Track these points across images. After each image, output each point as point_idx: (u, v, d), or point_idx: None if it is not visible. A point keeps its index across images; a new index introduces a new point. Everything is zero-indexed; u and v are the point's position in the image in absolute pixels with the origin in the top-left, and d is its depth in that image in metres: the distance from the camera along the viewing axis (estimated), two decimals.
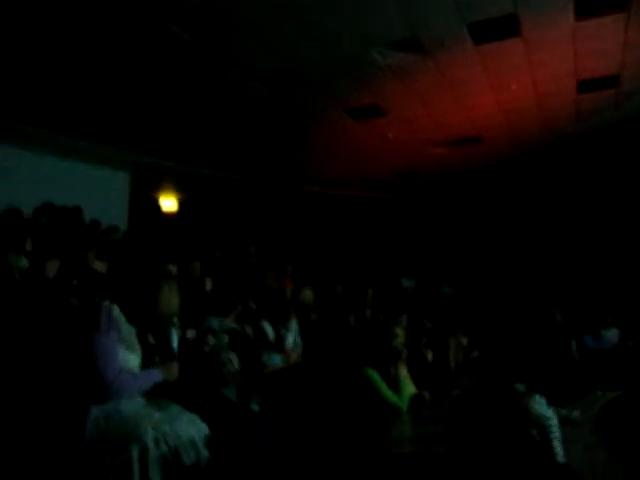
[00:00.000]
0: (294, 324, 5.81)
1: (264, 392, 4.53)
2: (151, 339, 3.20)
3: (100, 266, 6.09)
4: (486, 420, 4.06)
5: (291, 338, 5.69)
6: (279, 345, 5.43)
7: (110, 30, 6.83)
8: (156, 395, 3.13)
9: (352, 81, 8.64)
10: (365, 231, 14.45)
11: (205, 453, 2.97)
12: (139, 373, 3.09)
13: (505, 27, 7.34)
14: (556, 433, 3.58)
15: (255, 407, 4.38)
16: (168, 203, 13.51)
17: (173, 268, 5.64)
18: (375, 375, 4.48)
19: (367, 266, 12.60)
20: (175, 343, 3.33)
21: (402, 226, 14.66)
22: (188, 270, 6.43)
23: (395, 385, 4.49)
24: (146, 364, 3.18)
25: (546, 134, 11.38)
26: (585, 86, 9.25)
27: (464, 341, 6.67)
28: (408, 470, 3.33)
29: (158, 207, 13.26)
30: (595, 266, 11.43)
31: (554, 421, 3.62)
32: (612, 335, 9.40)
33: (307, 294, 6.59)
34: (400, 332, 4.72)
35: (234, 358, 4.16)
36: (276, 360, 5.06)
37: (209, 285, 6.61)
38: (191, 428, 3.00)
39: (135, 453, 2.78)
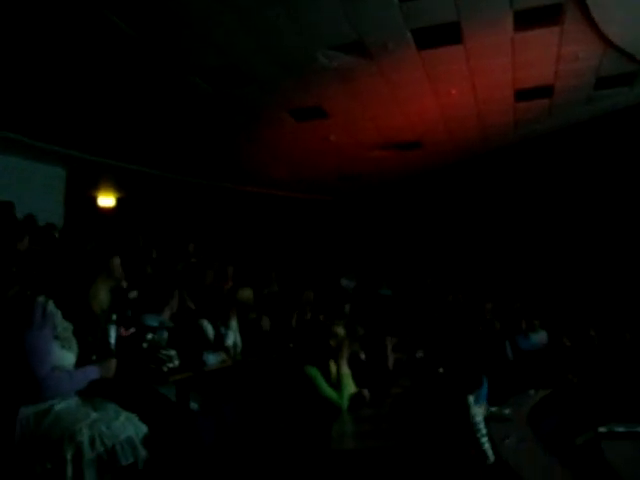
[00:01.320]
0: (234, 323, 5.76)
1: (204, 391, 4.47)
2: (88, 336, 3.10)
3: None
4: (425, 418, 4.11)
5: (231, 337, 5.63)
6: (219, 344, 5.37)
7: (48, 20, 6.59)
8: (93, 394, 3.02)
9: (296, 82, 8.64)
10: (306, 232, 14.46)
11: (143, 453, 2.87)
12: (74, 371, 2.97)
13: (448, 34, 7.51)
14: (483, 430, 3.66)
15: (194, 406, 4.32)
16: (106, 201, 13.18)
17: (115, 260, 5.45)
18: (316, 373, 4.47)
19: (308, 267, 12.61)
20: (113, 340, 3.22)
21: (343, 228, 14.74)
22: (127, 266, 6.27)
23: (336, 383, 4.50)
24: (83, 362, 3.07)
25: (485, 141, 11.68)
26: (522, 95, 9.55)
27: (393, 341, 6.74)
28: (349, 466, 3.34)
29: (95, 205, 12.93)
30: (527, 268, 11.76)
31: (479, 418, 3.69)
32: (540, 337, 9.71)
33: (246, 293, 6.52)
34: (340, 331, 4.73)
35: (174, 355, 4.08)
36: (216, 359, 4.98)
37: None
38: (129, 427, 2.90)
39: (69, 454, 2.65)
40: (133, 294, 5.31)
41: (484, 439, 3.64)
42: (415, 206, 13.88)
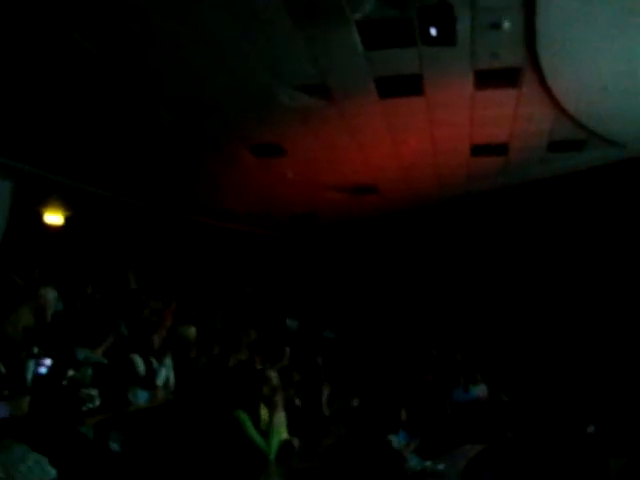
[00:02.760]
0: (168, 360, 5.56)
1: (127, 431, 4.25)
2: (1, 368, 2.89)
3: None
4: (358, 473, 4.01)
5: (164, 374, 5.43)
6: (150, 380, 5.14)
7: (5, 32, 6.41)
8: (1, 433, 2.81)
9: (258, 118, 8.62)
10: (255, 268, 14.30)
11: None
12: None
13: (410, 85, 7.62)
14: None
15: (115, 446, 4.10)
16: (52, 218, 12.77)
17: (47, 291, 5.20)
18: (245, 418, 4.32)
19: (254, 304, 12.44)
20: (30, 375, 3.03)
21: (293, 266, 14.64)
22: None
23: (266, 429, 4.34)
24: None
25: (440, 191, 11.83)
26: (478, 150, 9.74)
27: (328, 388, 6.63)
28: None
29: (41, 222, 12.52)
30: (472, 320, 11.84)
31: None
32: (481, 390, 9.72)
33: (190, 331, 6.33)
34: (274, 375, 4.60)
35: (95, 394, 3.86)
36: (143, 397, 4.77)
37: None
38: (35, 472, 2.70)
39: None
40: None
41: None
42: (365, 250, 13.89)
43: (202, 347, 6.82)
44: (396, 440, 6.24)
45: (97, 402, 3.86)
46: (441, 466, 4.94)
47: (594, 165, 10.54)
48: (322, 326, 11.49)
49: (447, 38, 5.80)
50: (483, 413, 8.83)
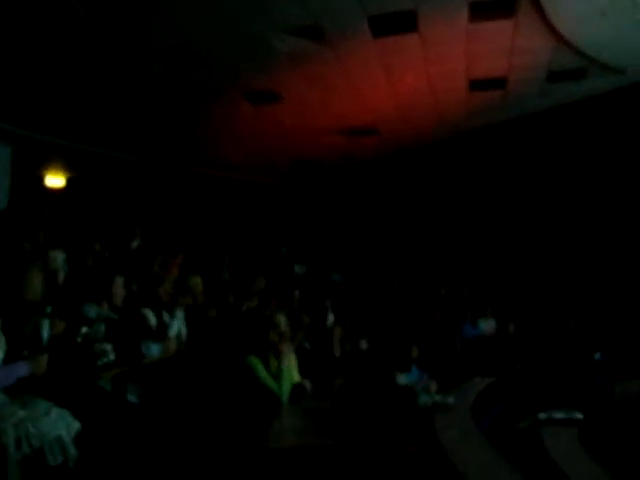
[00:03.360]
0: (180, 312, 5.65)
1: (144, 383, 4.38)
2: (19, 330, 2.98)
3: None
4: (369, 413, 4.13)
5: (176, 326, 5.52)
6: (161, 333, 5.25)
7: None
8: (22, 391, 2.92)
9: (251, 65, 8.51)
10: (259, 217, 14.35)
11: (74, 452, 2.80)
12: (1, 367, 2.86)
13: (403, 22, 7.48)
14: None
15: (133, 398, 4.23)
16: (54, 181, 12.79)
17: (56, 254, 5.26)
18: (257, 363, 4.43)
19: (261, 252, 12.53)
20: (45, 334, 3.12)
21: (296, 213, 14.68)
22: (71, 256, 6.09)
23: (277, 373, 4.45)
24: (13, 357, 2.96)
25: (439, 129, 11.72)
26: (476, 85, 9.60)
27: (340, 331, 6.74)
28: (287, 465, 3.32)
29: (43, 186, 12.55)
30: (478, 256, 11.92)
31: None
32: (489, 325, 9.88)
33: (196, 282, 6.41)
34: (283, 320, 4.69)
35: (109, 349, 3.97)
36: (156, 350, 4.88)
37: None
38: (59, 425, 2.81)
39: None
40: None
41: None
42: (368, 192, 13.88)
43: (211, 297, 6.92)
44: (406, 377, 6.41)
45: (112, 357, 3.98)
46: (451, 399, 5.07)
47: (594, 94, 10.42)
48: (329, 269, 11.59)
49: None
50: (492, 347, 9.00)
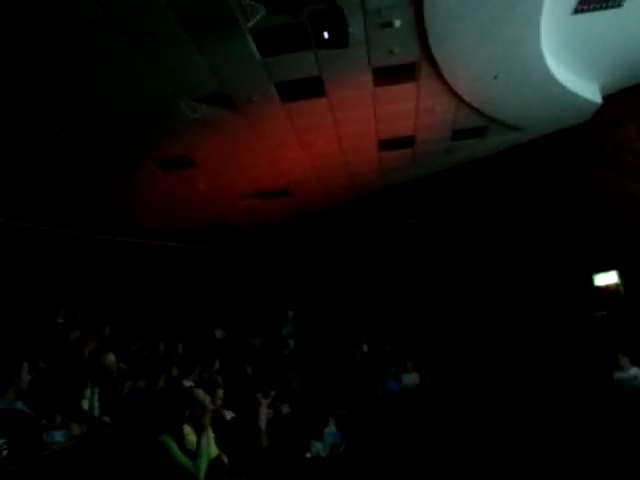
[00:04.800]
0: (90, 391, 5.34)
1: (45, 475, 4.01)
2: None
3: None
4: None
5: (86, 406, 5.22)
6: (71, 414, 4.90)
7: None
8: None
9: (161, 132, 8.45)
10: (181, 283, 14.02)
11: None
12: None
13: (310, 87, 7.71)
14: None
15: None
16: None
17: None
18: (170, 442, 4.15)
19: (181, 319, 12.21)
20: None
21: (216, 277, 14.45)
22: None
23: (195, 450, 4.20)
24: None
25: (353, 189, 11.98)
26: (385, 145, 9.94)
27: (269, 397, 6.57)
28: None
29: None
30: (393, 315, 11.98)
31: None
32: (412, 379, 9.94)
33: (109, 358, 6.12)
34: (201, 393, 4.48)
35: (1, 444, 3.62)
36: (60, 437, 4.52)
37: None
38: None
39: None
40: None
41: None
42: (285, 253, 13.87)
43: (128, 372, 6.62)
44: (320, 444, 6.34)
45: (4, 452, 3.62)
46: None
47: (498, 150, 10.98)
48: (249, 334, 11.38)
49: (340, 40, 5.89)
50: (415, 401, 9.02)
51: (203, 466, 4.12)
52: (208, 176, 10.22)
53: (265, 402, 6.28)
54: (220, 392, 5.47)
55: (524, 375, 9.47)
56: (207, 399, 4.52)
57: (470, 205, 11.52)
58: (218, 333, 11.22)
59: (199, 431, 4.26)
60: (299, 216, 13.18)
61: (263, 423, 5.83)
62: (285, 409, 6.99)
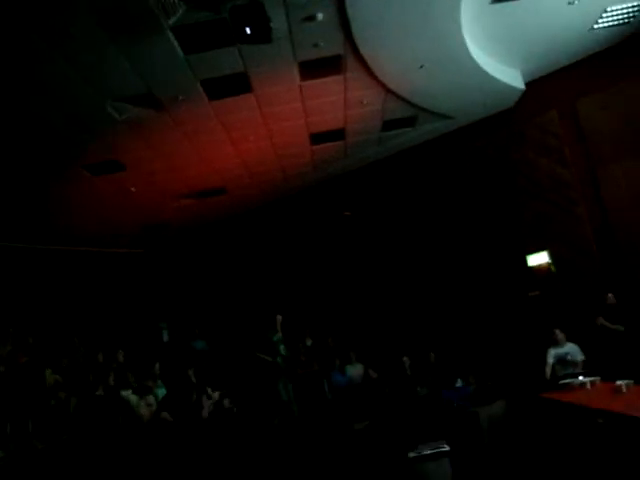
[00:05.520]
0: None
1: None
2: None
3: None
4: None
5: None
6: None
7: None
8: None
9: (88, 135, 8.23)
10: (119, 288, 13.70)
11: None
12: None
13: (237, 84, 7.65)
14: None
15: None
16: None
17: None
18: None
19: (121, 325, 11.95)
20: None
21: (157, 279, 14.19)
22: None
23: None
24: None
25: (288, 183, 11.97)
26: (317, 138, 9.98)
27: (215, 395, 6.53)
28: None
29: None
30: (338, 304, 12.03)
31: None
32: (357, 370, 10.01)
33: (47, 375, 5.91)
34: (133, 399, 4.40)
35: None
36: None
37: None
38: None
39: None
40: None
41: None
42: (223, 251, 13.74)
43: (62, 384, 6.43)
44: None
45: None
46: None
47: (429, 138, 11.14)
48: (191, 337, 11.24)
49: (263, 35, 5.86)
50: (361, 392, 9.11)
51: None
52: (140, 178, 10.03)
53: (207, 404, 6.24)
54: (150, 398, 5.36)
55: (467, 354, 9.74)
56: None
57: (404, 194, 11.65)
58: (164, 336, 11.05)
59: None
60: (236, 213, 13.07)
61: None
62: (227, 403, 6.93)
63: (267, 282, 12.80)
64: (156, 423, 4.57)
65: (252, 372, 9.05)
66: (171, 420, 5.71)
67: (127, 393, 5.33)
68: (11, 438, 4.86)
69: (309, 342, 10.95)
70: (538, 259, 10.05)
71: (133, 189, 10.38)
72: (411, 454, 5.89)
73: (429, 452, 5.93)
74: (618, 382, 6.45)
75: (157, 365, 7.58)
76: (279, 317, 10.21)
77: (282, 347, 9.93)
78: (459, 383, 9.11)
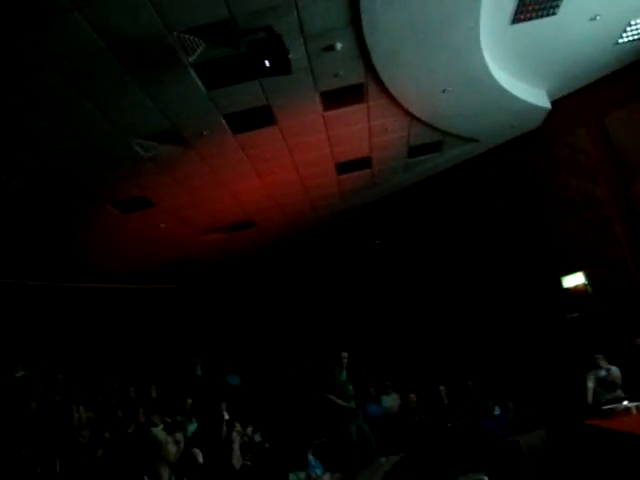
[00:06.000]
0: None
1: None
2: None
3: None
4: None
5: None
6: None
7: None
8: None
9: (115, 174, 8.32)
10: (151, 324, 13.76)
11: None
12: None
13: (260, 117, 7.68)
14: None
15: None
16: None
17: None
18: None
19: (154, 361, 11.96)
20: None
21: (189, 315, 14.22)
22: None
23: None
24: None
25: (316, 214, 11.94)
26: (343, 167, 9.95)
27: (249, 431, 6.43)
28: None
29: None
30: (372, 337, 11.85)
31: None
32: (392, 400, 9.82)
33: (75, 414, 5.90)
34: (161, 435, 4.33)
35: None
36: None
37: None
38: None
39: None
40: None
41: None
42: (258, 283, 13.71)
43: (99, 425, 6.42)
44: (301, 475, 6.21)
45: None
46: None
47: (457, 162, 11.05)
48: (225, 371, 11.18)
49: (282, 67, 5.88)
50: (395, 423, 8.91)
51: None
52: (169, 214, 10.12)
53: (238, 439, 6.14)
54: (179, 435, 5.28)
55: (504, 381, 9.49)
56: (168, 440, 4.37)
57: (435, 219, 11.54)
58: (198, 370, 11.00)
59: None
60: (266, 246, 13.08)
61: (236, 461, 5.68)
62: (257, 437, 6.82)
63: (299, 314, 12.71)
64: (184, 460, 4.50)
65: (323, 415, 8.64)
66: (200, 457, 5.64)
67: (156, 430, 5.27)
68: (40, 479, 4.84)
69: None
70: (574, 280, 9.81)
71: (162, 225, 10.47)
72: None
73: None
74: None
75: (189, 400, 7.53)
76: (344, 354, 9.18)
77: (350, 387, 8.97)
78: (497, 411, 8.87)
